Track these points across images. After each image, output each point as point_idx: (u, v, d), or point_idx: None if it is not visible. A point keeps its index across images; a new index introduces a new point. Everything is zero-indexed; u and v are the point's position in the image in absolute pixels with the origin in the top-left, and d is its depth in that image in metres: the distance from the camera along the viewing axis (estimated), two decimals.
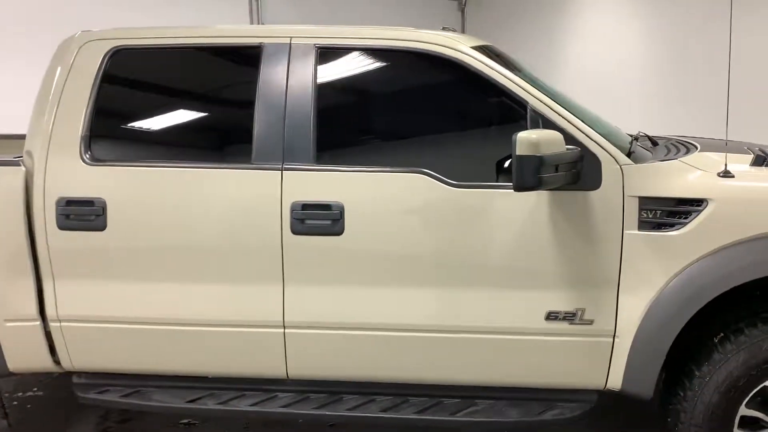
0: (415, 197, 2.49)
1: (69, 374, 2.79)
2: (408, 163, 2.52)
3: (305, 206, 2.50)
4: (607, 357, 2.50)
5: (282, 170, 2.53)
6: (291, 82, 2.58)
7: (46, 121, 2.64)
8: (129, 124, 2.79)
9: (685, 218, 2.37)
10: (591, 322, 2.48)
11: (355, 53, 2.70)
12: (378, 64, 2.74)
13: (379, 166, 2.53)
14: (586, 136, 2.46)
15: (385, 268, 2.52)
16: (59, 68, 2.70)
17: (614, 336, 2.48)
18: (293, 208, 2.50)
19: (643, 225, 2.42)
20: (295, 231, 2.51)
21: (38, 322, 2.67)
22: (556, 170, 2.27)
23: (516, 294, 2.50)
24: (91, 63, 2.68)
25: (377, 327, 2.55)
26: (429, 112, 2.70)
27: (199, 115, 2.90)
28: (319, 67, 2.61)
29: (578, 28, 8.24)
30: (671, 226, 2.40)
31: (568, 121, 2.48)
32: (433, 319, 2.53)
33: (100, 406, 2.71)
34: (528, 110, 2.50)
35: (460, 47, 2.57)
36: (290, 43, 2.63)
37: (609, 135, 2.63)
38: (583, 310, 2.48)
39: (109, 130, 2.68)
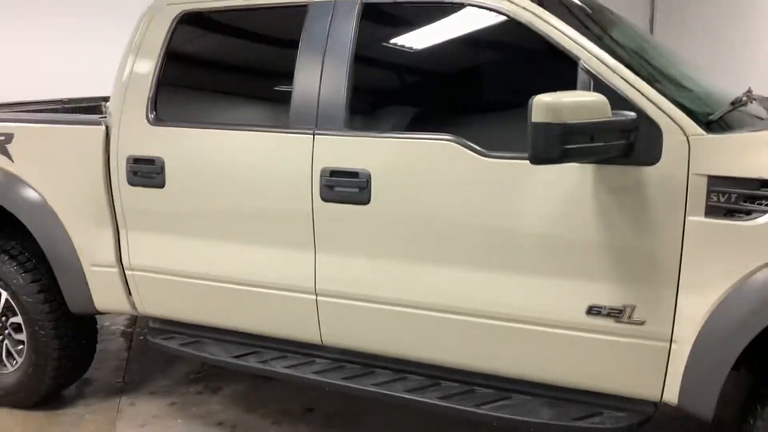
0: (441, 167, 2.27)
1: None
2: (440, 130, 2.30)
3: (333, 172, 2.41)
4: (662, 365, 2.11)
5: (314, 134, 2.46)
6: (330, 42, 2.48)
7: (124, 83, 2.85)
8: (187, 86, 2.89)
9: None
10: (642, 323, 2.10)
11: (399, 9, 2.51)
12: (419, 20, 2.51)
13: (409, 132, 2.34)
14: (646, 98, 2.04)
15: (411, 243, 2.35)
16: (138, 32, 2.87)
17: (671, 341, 2.08)
18: (323, 174, 2.43)
19: (712, 210, 1.96)
20: (325, 198, 2.44)
21: (116, 269, 2.93)
22: (591, 140, 1.91)
23: (552, 281, 2.19)
24: (163, 27, 2.82)
25: (400, 303, 2.40)
26: (466, 72, 2.43)
27: (249, 77, 2.91)
28: (360, 27, 2.46)
29: None
30: (747, 213, 1.92)
31: (626, 81, 2.07)
32: (455, 301, 2.32)
33: (165, 351, 2.91)
34: (579, 68, 2.14)
35: None
36: (335, 1, 2.52)
37: (698, 99, 2.15)
38: (632, 308, 2.10)
39: (171, 92, 2.80)
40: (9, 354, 3.22)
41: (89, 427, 3.11)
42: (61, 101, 4.12)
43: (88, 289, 2.99)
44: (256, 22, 2.80)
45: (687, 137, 1.99)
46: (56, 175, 2.95)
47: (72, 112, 3.96)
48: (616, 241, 2.09)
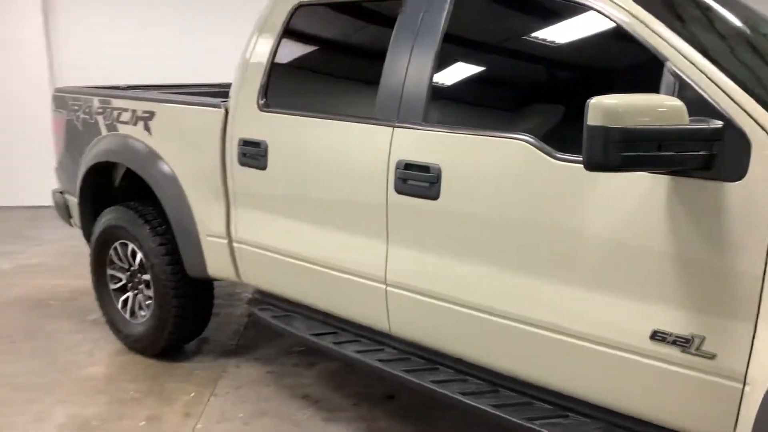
0: (510, 167, 2.18)
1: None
2: (514, 127, 2.21)
3: (408, 165, 2.42)
4: (733, 407, 1.86)
5: (394, 126, 2.48)
6: (419, 33, 2.48)
7: (242, 68, 3.08)
8: (293, 75, 3.04)
9: None
10: (712, 357, 1.87)
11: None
12: (506, 14, 2.42)
13: (483, 129, 2.28)
14: (737, 105, 1.80)
15: (476, 243, 2.30)
16: (260, 22, 3.09)
17: (744, 382, 1.82)
18: (398, 166, 2.45)
19: None
20: (398, 190, 2.46)
21: (225, 240, 3.20)
22: (659, 148, 1.73)
23: (617, 298, 2.02)
24: (279, 18, 3.00)
25: (461, 302, 2.36)
26: (548, 69, 2.29)
27: (350, 68, 2.98)
28: (451, 18, 2.43)
29: None
30: None
31: (716, 84, 1.84)
32: (513, 307, 2.22)
33: (259, 321, 3.12)
34: (665, 69, 1.94)
35: None
36: None
37: None
38: (701, 339, 1.88)
39: (279, 80, 2.97)
40: (140, 306, 3.65)
41: (195, 380, 3.43)
42: (202, 85, 4.54)
43: (203, 256, 3.29)
44: (361, 13, 2.88)
45: None
46: (184, 152, 3.28)
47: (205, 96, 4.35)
48: (689, 262, 1.88)
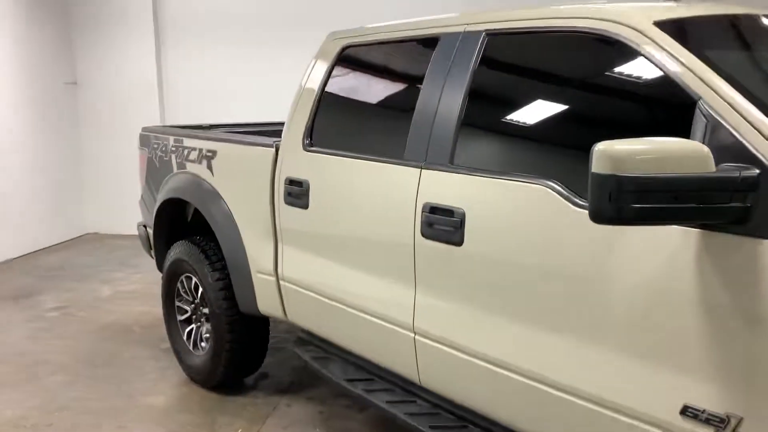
0: (534, 214, 2.02)
1: None
2: (540, 172, 2.05)
3: (433, 209, 2.32)
4: None
5: (422, 168, 2.39)
6: (450, 75, 2.39)
7: (293, 109, 3.11)
8: (335, 115, 3.01)
9: None
10: None
11: (522, 38, 2.29)
12: (540, 51, 2.26)
13: (509, 173, 2.13)
14: None
15: (496, 293, 2.14)
16: (310, 63, 3.12)
17: None
18: (424, 209, 2.35)
19: None
20: (425, 234, 2.35)
21: (273, 278, 3.21)
22: (676, 200, 1.53)
23: (644, 366, 1.79)
24: (328, 59, 3.02)
25: (483, 357, 2.20)
26: (577, 111, 2.10)
27: (389, 108, 2.91)
28: (480, 59, 2.32)
29: None
30: None
31: (752, 126, 1.61)
32: (535, 366, 2.04)
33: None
34: (697, 109, 1.72)
35: (633, 22, 1.92)
36: (462, 32, 2.42)
37: None
38: (738, 420, 1.62)
39: (322, 120, 2.97)
40: (201, 339, 3.74)
41: (245, 415, 3.45)
42: (264, 124, 4.65)
43: (254, 293, 3.32)
44: (402, 52, 2.83)
45: None
46: (239, 190, 3.36)
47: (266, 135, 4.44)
48: (722, 330, 1.63)
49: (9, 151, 6.79)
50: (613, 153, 1.53)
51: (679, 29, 1.91)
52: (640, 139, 1.57)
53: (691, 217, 1.55)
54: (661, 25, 1.90)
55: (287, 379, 3.90)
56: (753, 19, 2.21)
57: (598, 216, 1.57)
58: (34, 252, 7.07)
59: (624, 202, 1.52)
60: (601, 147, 1.54)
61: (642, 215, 1.53)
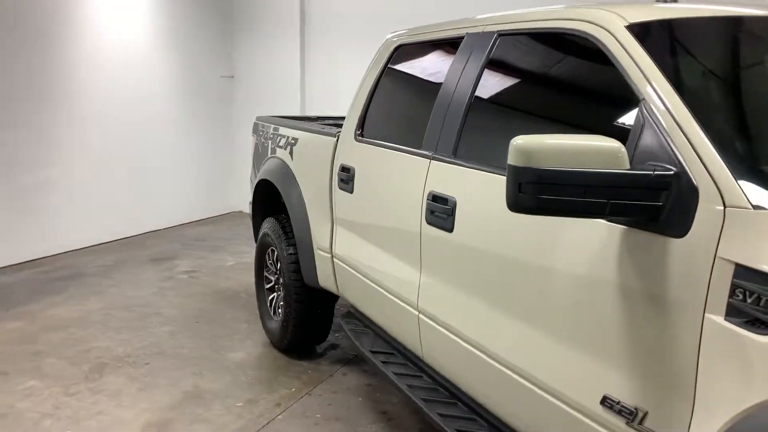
0: (503, 206, 2.12)
1: None
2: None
3: (434, 197, 2.49)
4: None
5: (431, 159, 2.57)
6: (464, 71, 2.54)
7: (353, 103, 3.41)
8: (382, 108, 3.23)
9: None
10: None
11: (524, 38, 2.38)
12: (530, 51, 2.33)
13: (493, 166, 2.25)
14: (694, 152, 1.57)
15: (480, 278, 2.28)
16: (372, 61, 3.39)
17: None
18: (428, 197, 2.53)
19: (733, 312, 1.42)
20: (427, 221, 2.54)
21: (329, 255, 3.54)
22: (585, 194, 1.61)
23: (577, 355, 1.86)
24: (384, 57, 3.27)
25: (469, 341, 2.33)
26: (556, 105, 2.15)
27: (417, 101, 3.07)
28: (490, 57, 2.45)
29: None
30: None
31: (679, 127, 1.63)
32: (504, 352, 2.15)
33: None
34: (639, 109, 1.76)
35: (605, 23, 1.97)
36: (480, 32, 2.56)
37: None
38: (644, 413, 1.66)
39: (372, 113, 3.22)
40: (279, 307, 4.18)
41: (303, 378, 3.82)
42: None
43: (315, 268, 3.68)
44: (435, 52, 3.00)
45: (724, 207, 1.48)
46: (308, 174, 3.72)
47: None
48: (634, 328, 1.68)
49: (172, 137, 7.82)
50: (527, 146, 1.64)
51: (649, 32, 1.93)
52: (561, 135, 1.66)
53: (600, 212, 1.61)
54: (633, 27, 1.93)
55: (352, 351, 4.22)
56: (747, 21, 2.11)
57: (512, 205, 1.68)
58: (186, 224, 8.07)
59: (533, 193, 1.63)
60: (518, 140, 1.66)
61: (551, 207, 1.63)
